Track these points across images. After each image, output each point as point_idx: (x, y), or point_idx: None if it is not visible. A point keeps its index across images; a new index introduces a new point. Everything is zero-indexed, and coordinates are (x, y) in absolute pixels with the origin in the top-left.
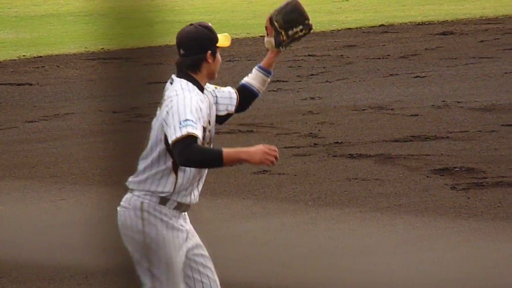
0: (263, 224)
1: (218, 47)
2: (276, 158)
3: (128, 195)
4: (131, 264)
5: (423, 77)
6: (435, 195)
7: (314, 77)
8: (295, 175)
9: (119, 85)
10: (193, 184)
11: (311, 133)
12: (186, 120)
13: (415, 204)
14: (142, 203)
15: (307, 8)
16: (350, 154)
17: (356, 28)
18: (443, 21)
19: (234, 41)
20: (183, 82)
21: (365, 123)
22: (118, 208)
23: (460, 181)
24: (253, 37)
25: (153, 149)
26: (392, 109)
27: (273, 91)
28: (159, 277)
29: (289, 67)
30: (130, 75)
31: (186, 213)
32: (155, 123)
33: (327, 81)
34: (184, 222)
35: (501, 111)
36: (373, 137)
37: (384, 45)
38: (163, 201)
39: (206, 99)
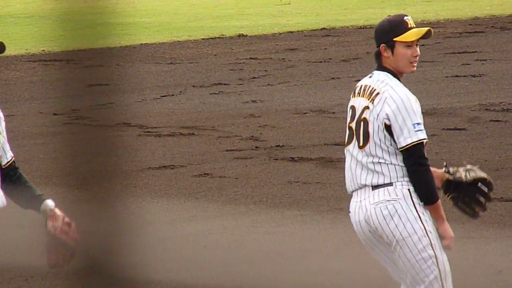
0: (204, 227)
1: (397, 41)
2: (451, 248)
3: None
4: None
5: None
6: None
7: (256, 80)
8: (236, 178)
9: (60, 87)
10: None
11: (252, 136)
12: (418, 123)
13: None
14: (409, 190)
15: (249, 11)
16: (291, 158)
17: (298, 31)
18: None
19: (175, 43)
20: (388, 75)
21: (307, 127)
22: (380, 205)
23: None
24: (194, 40)
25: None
26: (333, 113)
27: (215, 93)
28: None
29: (231, 70)
30: (71, 77)
31: None
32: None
33: (268, 84)
34: None
35: (442, 115)
36: (314, 140)
37: (326, 48)
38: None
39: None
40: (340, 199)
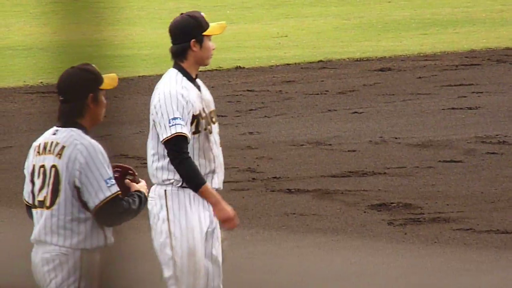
0: None
1: (205, 35)
2: (234, 227)
3: None
4: None
5: (361, 113)
6: (372, 231)
7: (253, 112)
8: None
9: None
10: None
11: (249, 168)
12: (175, 118)
13: (353, 240)
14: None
15: (246, 44)
16: (288, 189)
17: (295, 63)
18: (381, 57)
19: None
20: (172, 72)
21: (303, 158)
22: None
23: (397, 216)
24: None
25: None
26: (330, 145)
27: None
28: None
29: (228, 102)
30: None
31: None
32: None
33: (265, 116)
34: None
35: (438, 147)
36: (311, 172)
37: (323, 80)
38: None
39: (194, 88)
40: (337, 231)
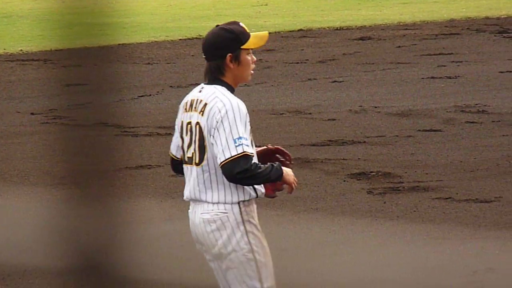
0: (182, 226)
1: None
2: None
3: None
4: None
5: (340, 82)
6: (352, 199)
7: None
8: None
9: (38, 87)
10: None
11: None
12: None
13: (332, 208)
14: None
15: (226, 12)
16: None
17: (275, 32)
18: (361, 27)
19: (152, 44)
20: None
21: (283, 127)
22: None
23: (376, 185)
24: (172, 40)
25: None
26: (310, 113)
27: None
28: None
29: None
30: (48, 77)
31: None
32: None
33: (245, 84)
34: None
35: (418, 117)
36: (291, 141)
37: (303, 49)
38: None
39: None
40: (317, 200)
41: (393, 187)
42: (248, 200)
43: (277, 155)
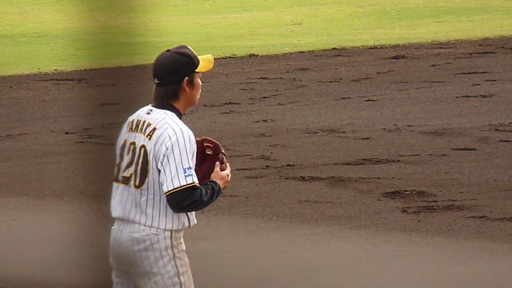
0: (215, 246)
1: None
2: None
3: None
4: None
5: (374, 100)
6: (386, 218)
7: (266, 99)
8: (247, 197)
9: (72, 106)
10: None
11: (263, 155)
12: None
13: (366, 227)
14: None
15: (260, 31)
16: (301, 177)
17: (309, 51)
18: (395, 45)
19: None
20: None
21: (317, 146)
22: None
23: (410, 204)
24: None
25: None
26: (343, 132)
27: (226, 113)
28: None
29: (242, 89)
30: (83, 96)
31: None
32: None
33: (279, 103)
34: None
35: (452, 135)
36: (324, 160)
37: (336, 68)
38: None
39: None
40: (351, 218)
41: (427, 206)
42: (178, 230)
43: (206, 147)
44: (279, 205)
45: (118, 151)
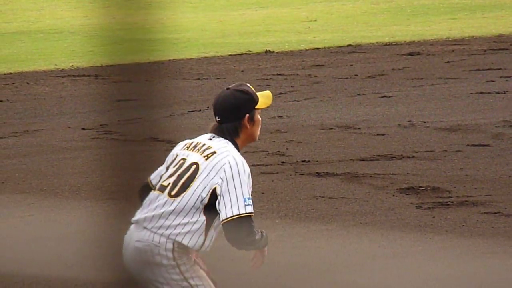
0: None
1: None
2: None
3: None
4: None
5: (390, 97)
6: (401, 214)
7: (282, 96)
8: (262, 193)
9: (89, 102)
10: None
11: (278, 151)
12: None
13: (381, 223)
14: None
15: (276, 28)
16: (317, 173)
17: (324, 48)
18: (410, 42)
19: (202, 59)
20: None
21: (332, 142)
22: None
23: (425, 200)
24: (221, 56)
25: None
26: (359, 128)
27: None
28: None
29: (258, 85)
30: (99, 93)
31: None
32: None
33: (295, 100)
34: None
35: (467, 131)
36: (340, 156)
37: (352, 65)
38: None
39: None
40: (366, 214)
41: (442, 202)
42: (184, 246)
43: None
44: (294, 201)
45: (165, 165)
